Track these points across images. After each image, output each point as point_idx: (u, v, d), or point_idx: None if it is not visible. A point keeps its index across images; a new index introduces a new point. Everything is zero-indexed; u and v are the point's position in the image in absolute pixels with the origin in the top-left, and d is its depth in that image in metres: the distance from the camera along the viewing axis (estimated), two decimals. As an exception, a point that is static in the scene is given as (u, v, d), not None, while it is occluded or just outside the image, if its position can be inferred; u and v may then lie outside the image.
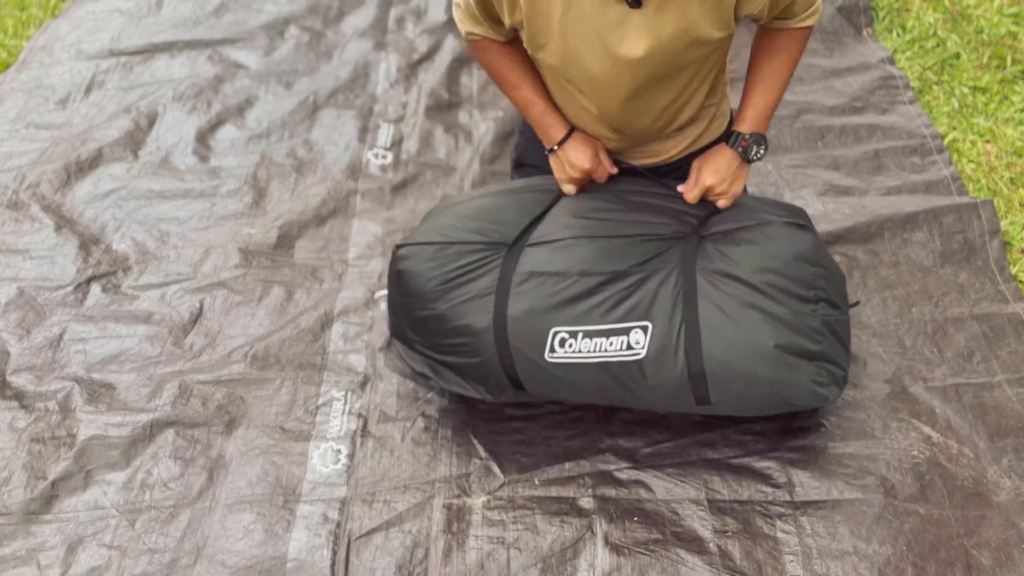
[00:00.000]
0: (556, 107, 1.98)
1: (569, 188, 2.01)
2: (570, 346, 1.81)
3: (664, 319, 1.79)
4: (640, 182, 2.01)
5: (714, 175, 1.93)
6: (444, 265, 1.90)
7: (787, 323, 1.78)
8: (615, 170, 1.99)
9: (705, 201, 1.96)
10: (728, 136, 1.96)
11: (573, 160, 1.96)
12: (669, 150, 2.04)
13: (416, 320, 1.94)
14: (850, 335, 1.92)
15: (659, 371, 1.81)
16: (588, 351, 1.81)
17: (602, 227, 1.89)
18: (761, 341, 1.77)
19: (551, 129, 1.98)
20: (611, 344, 1.80)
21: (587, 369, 1.83)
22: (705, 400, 1.84)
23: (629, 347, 1.80)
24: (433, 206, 2.19)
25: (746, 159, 1.94)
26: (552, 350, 1.82)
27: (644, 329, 1.79)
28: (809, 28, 1.89)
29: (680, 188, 1.97)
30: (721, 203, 1.93)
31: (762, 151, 1.94)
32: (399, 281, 1.95)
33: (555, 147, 1.98)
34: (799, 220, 1.87)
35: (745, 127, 1.94)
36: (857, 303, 1.99)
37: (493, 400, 1.97)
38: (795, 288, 1.78)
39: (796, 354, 1.78)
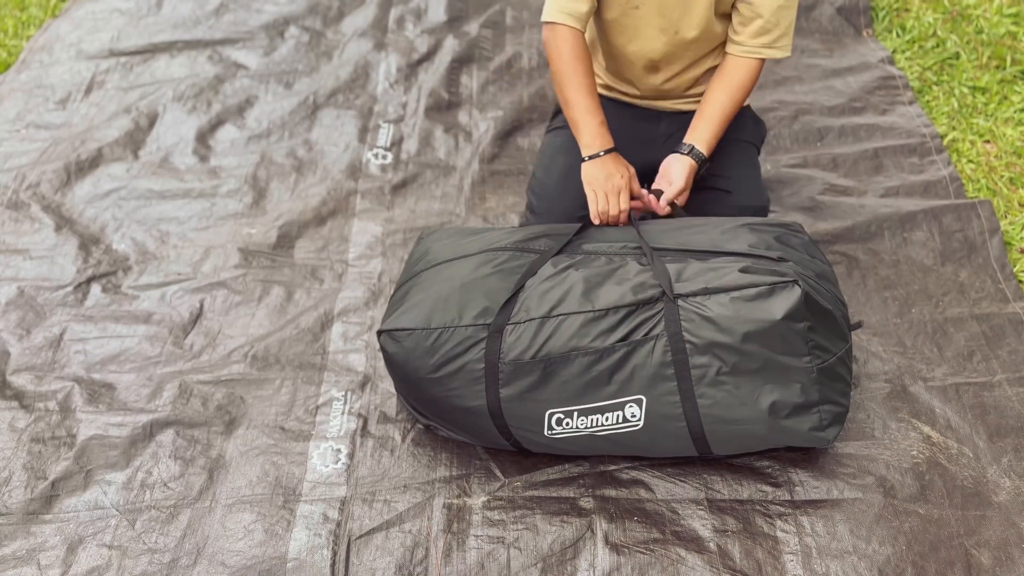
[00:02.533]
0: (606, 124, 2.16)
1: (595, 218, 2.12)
2: (567, 424, 1.86)
3: (657, 391, 1.81)
4: (609, 234, 2.06)
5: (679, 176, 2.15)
6: (430, 353, 1.89)
7: (779, 383, 1.78)
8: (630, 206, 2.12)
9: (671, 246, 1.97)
10: (683, 147, 2.18)
11: (611, 173, 2.10)
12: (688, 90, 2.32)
13: (417, 399, 1.97)
14: (851, 363, 1.90)
15: (658, 437, 1.85)
16: (586, 427, 1.85)
17: (579, 301, 1.85)
18: (755, 404, 1.79)
19: (601, 138, 2.13)
20: (607, 419, 1.84)
21: (589, 439, 1.88)
22: (707, 453, 1.90)
23: (625, 420, 1.83)
24: (414, 248, 2.17)
25: (700, 171, 2.17)
26: (551, 428, 1.87)
27: (638, 402, 1.82)
28: (762, 61, 2.18)
29: (651, 195, 2.14)
30: (681, 200, 2.12)
31: (706, 167, 2.19)
32: (390, 365, 1.96)
33: (600, 153, 2.12)
34: (784, 277, 1.79)
35: (700, 147, 2.17)
36: (859, 325, 1.97)
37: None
38: (784, 347, 1.76)
39: (792, 410, 1.80)
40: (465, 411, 1.90)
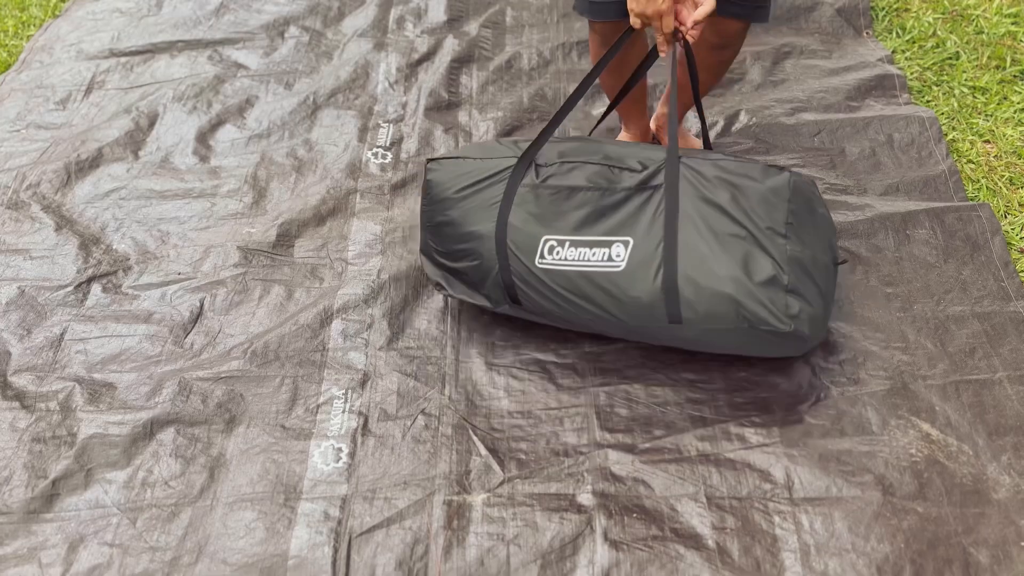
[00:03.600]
0: None
1: (635, 22, 2.05)
2: (557, 253, 2.01)
3: (644, 236, 1.96)
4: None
5: None
6: (463, 177, 2.13)
7: (755, 255, 1.90)
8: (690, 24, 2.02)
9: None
10: None
11: None
12: None
13: (435, 226, 2.18)
14: (832, 285, 2.03)
15: (635, 284, 1.96)
16: (573, 259, 2.00)
17: (600, 158, 2.06)
18: (729, 266, 1.90)
19: None
20: (594, 255, 1.98)
21: (571, 277, 2.01)
22: (676, 318, 1.96)
23: (609, 259, 1.97)
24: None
25: None
26: (542, 256, 2.03)
27: (625, 244, 1.97)
28: None
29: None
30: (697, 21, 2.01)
31: None
32: (427, 189, 2.19)
33: None
34: (781, 167, 1.97)
35: None
36: (844, 261, 2.10)
37: (493, 309, 2.18)
38: (767, 221, 1.90)
39: (763, 281, 1.89)
40: (472, 236, 2.10)
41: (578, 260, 1.99)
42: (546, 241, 2.02)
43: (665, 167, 1.97)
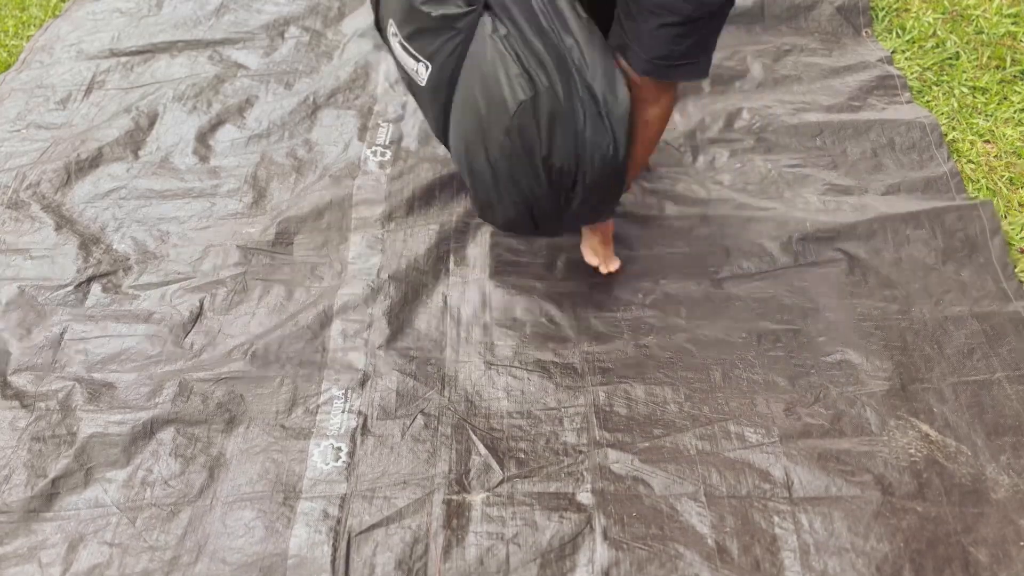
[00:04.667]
0: None
1: None
2: (395, 40, 2.17)
3: (439, 69, 2.08)
4: None
5: None
6: None
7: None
8: None
9: None
10: None
11: None
12: None
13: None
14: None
15: (430, 103, 2.18)
16: (400, 54, 2.17)
17: None
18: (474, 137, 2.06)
19: None
20: (407, 61, 2.15)
21: (401, 64, 2.19)
22: (447, 146, 2.23)
23: (417, 72, 2.14)
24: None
25: None
26: (393, 34, 2.16)
27: (426, 67, 2.11)
28: None
29: None
30: None
31: None
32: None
33: None
34: (544, 79, 1.95)
35: None
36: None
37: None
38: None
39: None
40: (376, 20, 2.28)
41: (402, 56, 2.16)
42: (390, 25, 2.18)
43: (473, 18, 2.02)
